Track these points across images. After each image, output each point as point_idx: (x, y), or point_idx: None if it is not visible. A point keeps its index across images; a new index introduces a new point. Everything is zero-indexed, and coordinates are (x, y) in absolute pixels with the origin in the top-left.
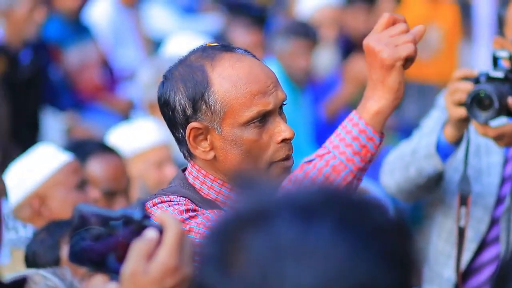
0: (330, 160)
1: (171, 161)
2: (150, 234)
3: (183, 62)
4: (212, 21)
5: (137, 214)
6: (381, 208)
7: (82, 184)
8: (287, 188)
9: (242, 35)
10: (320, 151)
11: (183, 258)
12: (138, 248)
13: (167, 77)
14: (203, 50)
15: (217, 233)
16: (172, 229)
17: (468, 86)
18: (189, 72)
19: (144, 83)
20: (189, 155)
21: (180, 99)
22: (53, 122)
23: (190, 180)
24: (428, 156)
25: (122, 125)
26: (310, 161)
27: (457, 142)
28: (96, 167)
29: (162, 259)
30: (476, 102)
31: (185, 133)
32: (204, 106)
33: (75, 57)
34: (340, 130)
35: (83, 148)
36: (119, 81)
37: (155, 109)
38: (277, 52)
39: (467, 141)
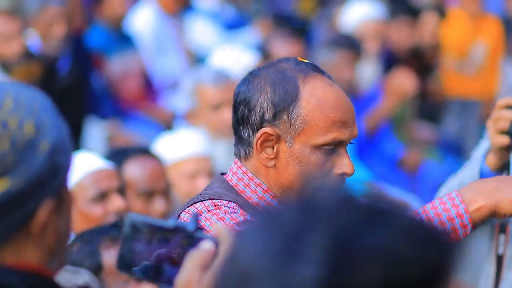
0: None
1: (208, 173)
2: (207, 245)
3: (275, 66)
4: (253, 34)
5: (190, 226)
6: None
7: (104, 195)
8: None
9: (283, 46)
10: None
11: None
12: (194, 258)
13: (254, 76)
14: (296, 63)
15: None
16: (227, 241)
17: (511, 115)
18: (281, 79)
19: (185, 93)
20: (245, 156)
21: (263, 101)
22: (95, 130)
23: (234, 181)
24: None
25: (164, 134)
26: None
27: (500, 170)
28: (133, 168)
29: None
30: None
31: (253, 134)
32: (285, 116)
33: (118, 66)
34: (437, 203)
35: (122, 153)
36: (160, 91)
37: (194, 118)
38: (321, 63)
39: (509, 168)
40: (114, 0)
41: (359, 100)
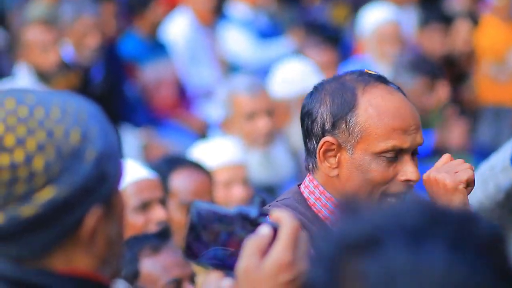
0: None
1: (243, 182)
2: (264, 230)
3: (337, 79)
4: (287, 42)
5: (253, 212)
6: (483, 221)
7: (146, 205)
8: (391, 210)
9: (316, 55)
10: None
11: (298, 254)
12: (252, 244)
13: (317, 89)
14: (359, 74)
15: (323, 259)
16: (287, 225)
17: None
18: (340, 90)
19: (220, 102)
20: (313, 168)
21: (323, 112)
22: (129, 138)
23: (305, 194)
24: (504, 169)
25: (199, 142)
26: None
27: None
28: (180, 180)
29: (276, 255)
30: None
31: (317, 144)
32: (343, 125)
33: (151, 74)
34: None
35: (172, 162)
36: (194, 99)
37: (228, 127)
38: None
39: None
40: (155, 9)
41: None
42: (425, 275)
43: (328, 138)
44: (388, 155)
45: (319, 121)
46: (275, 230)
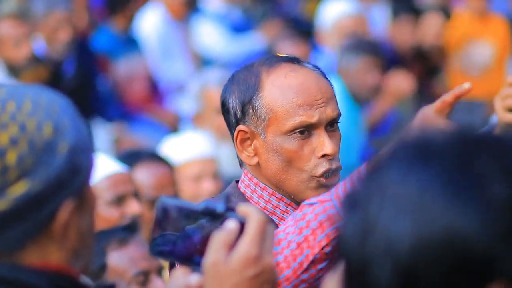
0: (328, 208)
1: (213, 176)
2: (231, 224)
3: (246, 67)
4: (259, 37)
5: (220, 207)
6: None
7: (120, 199)
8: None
9: (289, 48)
10: (324, 196)
11: (264, 248)
12: (218, 239)
13: (229, 80)
14: (267, 58)
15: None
16: (254, 220)
17: None
18: (246, 76)
19: (192, 96)
20: (240, 161)
21: (233, 101)
22: (101, 133)
23: (242, 188)
24: None
25: (170, 136)
26: (311, 204)
27: None
28: (142, 174)
29: (243, 249)
30: None
31: (235, 136)
32: (251, 110)
33: (124, 69)
34: (347, 179)
35: (133, 157)
36: (166, 94)
37: (200, 121)
38: (340, 68)
39: None
40: (135, 4)
41: None
42: (403, 197)
43: (240, 127)
44: (297, 132)
45: (231, 111)
46: (242, 224)
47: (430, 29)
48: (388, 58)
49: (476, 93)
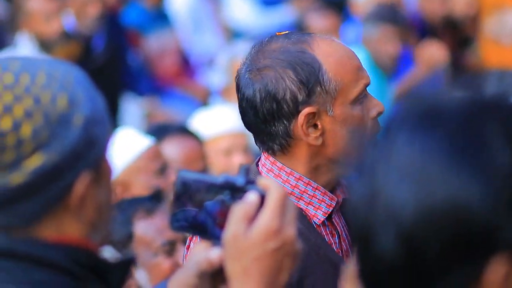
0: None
1: (244, 150)
2: (251, 197)
3: (275, 51)
4: (290, 10)
5: (240, 180)
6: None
7: (163, 169)
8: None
9: (319, 20)
10: None
11: (285, 221)
12: (238, 212)
13: (261, 70)
14: (286, 37)
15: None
16: (274, 192)
17: None
18: (294, 57)
19: (221, 69)
20: (281, 149)
21: (289, 86)
22: (132, 107)
23: (264, 173)
24: None
25: (201, 110)
26: None
27: None
28: (171, 149)
29: (263, 222)
30: None
31: (290, 123)
32: (319, 88)
33: (155, 43)
34: None
35: (161, 131)
36: (197, 68)
37: (229, 94)
38: (364, 38)
39: None
40: None
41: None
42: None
43: (307, 109)
44: (362, 96)
45: (288, 98)
46: (263, 197)
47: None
48: (418, 28)
49: (508, 61)
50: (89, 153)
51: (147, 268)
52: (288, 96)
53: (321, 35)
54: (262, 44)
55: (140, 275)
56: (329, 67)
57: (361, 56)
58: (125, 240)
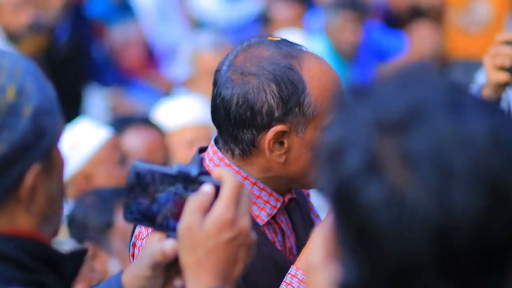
0: None
1: (206, 141)
2: (206, 188)
3: (264, 60)
4: (254, 0)
5: (194, 171)
6: None
7: (123, 160)
8: (417, 88)
9: (283, 10)
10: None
11: (240, 212)
12: (193, 203)
13: (246, 75)
14: (277, 46)
15: (358, 144)
16: (229, 183)
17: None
18: (281, 72)
19: (184, 60)
20: (242, 155)
21: (268, 100)
22: (97, 99)
23: (210, 167)
24: None
25: (165, 101)
26: None
27: None
28: (133, 140)
29: (218, 213)
30: None
31: (258, 135)
32: (297, 109)
33: (119, 34)
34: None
35: (123, 122)
36: (162, 59)
37: (193, 85)
38: (325, 26)
39: (508, 104)
40: None
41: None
42: (474, 141)
43: (279, 127)
44: None
45: (264, 111)
46: (218, 188)
47: None
48: (384, 18)
49: (474, 51)
50: (39, 144)
51: (121, 258)
52: (265, 109)
53: (313, 53)
54: (251, 45)
55: (113, 264)
56: (312, 91)
57: (322, 45)
58: (103, 228)
